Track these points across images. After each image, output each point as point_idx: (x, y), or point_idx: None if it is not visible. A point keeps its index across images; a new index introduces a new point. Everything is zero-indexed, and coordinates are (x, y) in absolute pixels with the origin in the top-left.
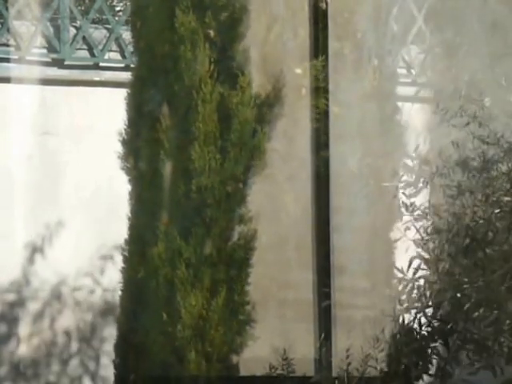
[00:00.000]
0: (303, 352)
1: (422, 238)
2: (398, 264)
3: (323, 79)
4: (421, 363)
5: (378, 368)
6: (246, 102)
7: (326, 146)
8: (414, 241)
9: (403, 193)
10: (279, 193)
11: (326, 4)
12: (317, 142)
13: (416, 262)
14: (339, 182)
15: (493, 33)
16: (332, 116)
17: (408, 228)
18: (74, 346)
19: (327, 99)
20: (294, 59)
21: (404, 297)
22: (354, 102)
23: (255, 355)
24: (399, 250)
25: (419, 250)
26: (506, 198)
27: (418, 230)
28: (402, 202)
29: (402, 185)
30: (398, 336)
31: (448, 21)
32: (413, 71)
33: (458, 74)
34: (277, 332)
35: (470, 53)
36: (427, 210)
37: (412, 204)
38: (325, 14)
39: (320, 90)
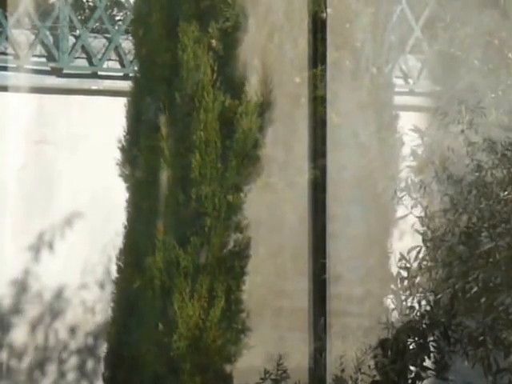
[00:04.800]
0: (298, 360)
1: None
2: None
3: (322, 88)
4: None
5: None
6: (250, 112)
7: (324, 154)
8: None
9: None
10: (276, 201)
11: (326, 14)
12: (314, 151)
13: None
14: (336, 190)
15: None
16: (330, 124)
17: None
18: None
19: (325, 108)
20: (294, 68)
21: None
22: (352, 111)
23: (250, 365)
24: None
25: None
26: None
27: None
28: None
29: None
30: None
31: (445, 31)
32: (410, 80)
33: (455, 83)
34: (272, 340)
35: (467, 62)
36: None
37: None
38: (324, 24)
39: (318, 99)
